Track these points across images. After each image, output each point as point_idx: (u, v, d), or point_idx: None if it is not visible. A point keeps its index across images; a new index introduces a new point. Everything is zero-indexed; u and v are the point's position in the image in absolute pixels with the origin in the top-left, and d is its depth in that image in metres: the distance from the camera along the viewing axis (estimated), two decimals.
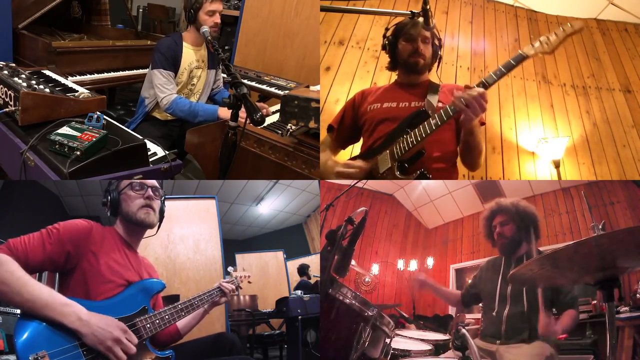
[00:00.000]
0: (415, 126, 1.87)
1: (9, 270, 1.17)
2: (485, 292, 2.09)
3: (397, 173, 1.86)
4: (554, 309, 1.94)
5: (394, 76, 2.27)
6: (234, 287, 1.78)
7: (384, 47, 2.17)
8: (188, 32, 2.82)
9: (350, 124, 2.21)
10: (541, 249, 2.07)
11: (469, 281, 2.27)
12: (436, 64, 2.16)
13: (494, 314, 1.97)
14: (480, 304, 2.23)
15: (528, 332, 1.87)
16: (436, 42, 2.10)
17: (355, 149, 2.88)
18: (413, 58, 2.06)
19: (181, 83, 2.84)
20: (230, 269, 1.96)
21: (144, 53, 3.54)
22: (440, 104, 1.99)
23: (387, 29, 2.15)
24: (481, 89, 1.71)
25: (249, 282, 1.97)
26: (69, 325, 1.17)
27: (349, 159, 2.09)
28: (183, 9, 2.88)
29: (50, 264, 1.32)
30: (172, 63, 2.74)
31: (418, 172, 1.83)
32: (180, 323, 1.62)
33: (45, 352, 1.12)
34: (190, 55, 2.84)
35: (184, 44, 2.81)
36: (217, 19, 2.70)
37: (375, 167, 1.92)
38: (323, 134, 2.22)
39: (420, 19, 1.89)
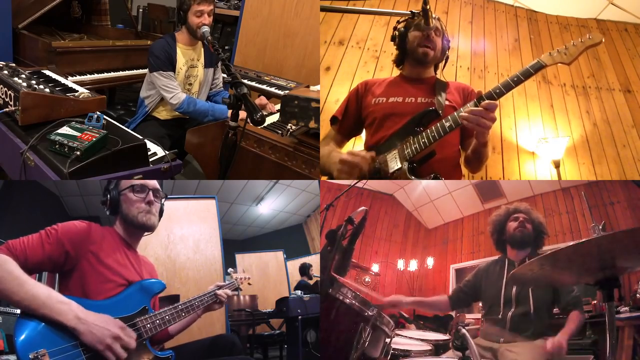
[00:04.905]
0: (424, 125, 1.85)
1: (7, 270, 1.18)
2: (488, 296, 2.08)
3: (410, 176, 1.81)
4: (555, 309, 1.95)
5: (395, 72, 2.24)
6: (230, 295, 1.75)
7: (393, 39, 2.12)
8: (181, 33, 2.83)
9: (354, 115, 2.15)
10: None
11: (461, 284, 2.26)
12: (442, 63, 2.14)
13: (499, 316, 1.97)
14: (480, 304, 2.23)
15: (532, 330, 1.87)
16: (445, 41, 2.09)
17: (356, 147, 2.89)
18: (423, 47, 2.01)
19: (178, 82, 2.84)
20: (230, 270, 1.96)
21: (144, 53, 3.52)
22: (448, 103, 1.97)
23: (398, 22, 2.11)
24: (484, 102, 1.70)
25: (249, 284, 1.97)
26: (66, 323, 1.17)
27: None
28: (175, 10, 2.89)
29: (49, 263, 1.32)
30: (169, 63, 2.75)
31: (432, 175, 1.80)
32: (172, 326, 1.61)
33: (45, 350, 1.12)
34: (185, 54, 2.85)
35: (178, 44, 2.81)
36: (205, 19, 2.69)
37: (384, 166, 1.88)
38: (323, 134, 2.21)
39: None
